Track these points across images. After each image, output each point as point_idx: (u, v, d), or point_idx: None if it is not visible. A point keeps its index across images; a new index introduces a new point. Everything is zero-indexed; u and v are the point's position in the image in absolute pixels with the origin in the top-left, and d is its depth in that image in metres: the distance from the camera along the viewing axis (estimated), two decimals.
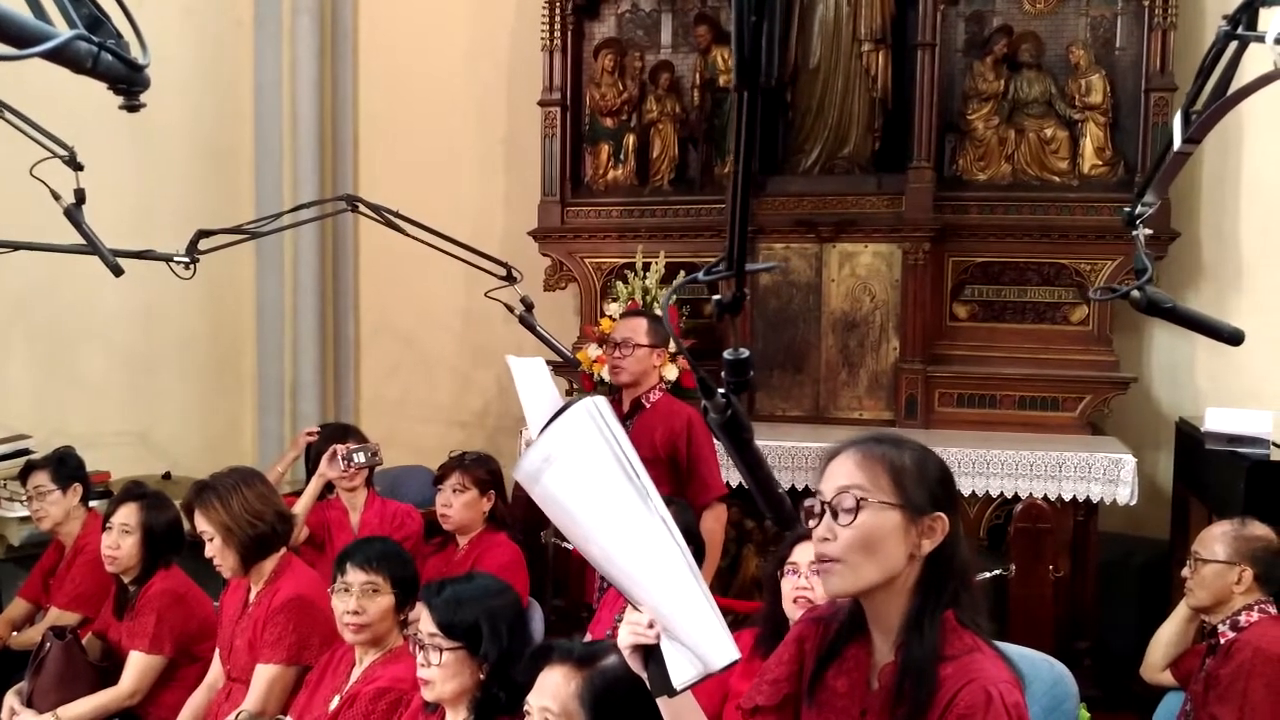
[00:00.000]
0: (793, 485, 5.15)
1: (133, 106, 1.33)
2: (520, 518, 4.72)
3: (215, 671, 3.63)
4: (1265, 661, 3.04)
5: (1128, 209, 2.14)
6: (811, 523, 1.84)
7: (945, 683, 1.75)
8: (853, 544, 1.78)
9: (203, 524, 3.43)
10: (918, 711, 1.75)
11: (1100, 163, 5.64)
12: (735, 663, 1.74)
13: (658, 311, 5.19)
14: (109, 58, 1.21)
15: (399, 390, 7.09)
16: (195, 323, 6.50)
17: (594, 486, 1.74)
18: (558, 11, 6.09)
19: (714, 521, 4.26)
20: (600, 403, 1.75)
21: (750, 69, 1.17)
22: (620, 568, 1.80)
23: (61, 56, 1.13)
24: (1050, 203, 5.65)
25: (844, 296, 5.81)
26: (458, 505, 4.11)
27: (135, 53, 1.27)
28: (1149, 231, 2.14)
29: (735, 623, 4.40)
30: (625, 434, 1.78)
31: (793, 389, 5.89)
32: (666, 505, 3.61)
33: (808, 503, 1.86)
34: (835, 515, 1.80)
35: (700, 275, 1.49)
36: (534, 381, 3.94)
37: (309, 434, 4.60)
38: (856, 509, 1.78)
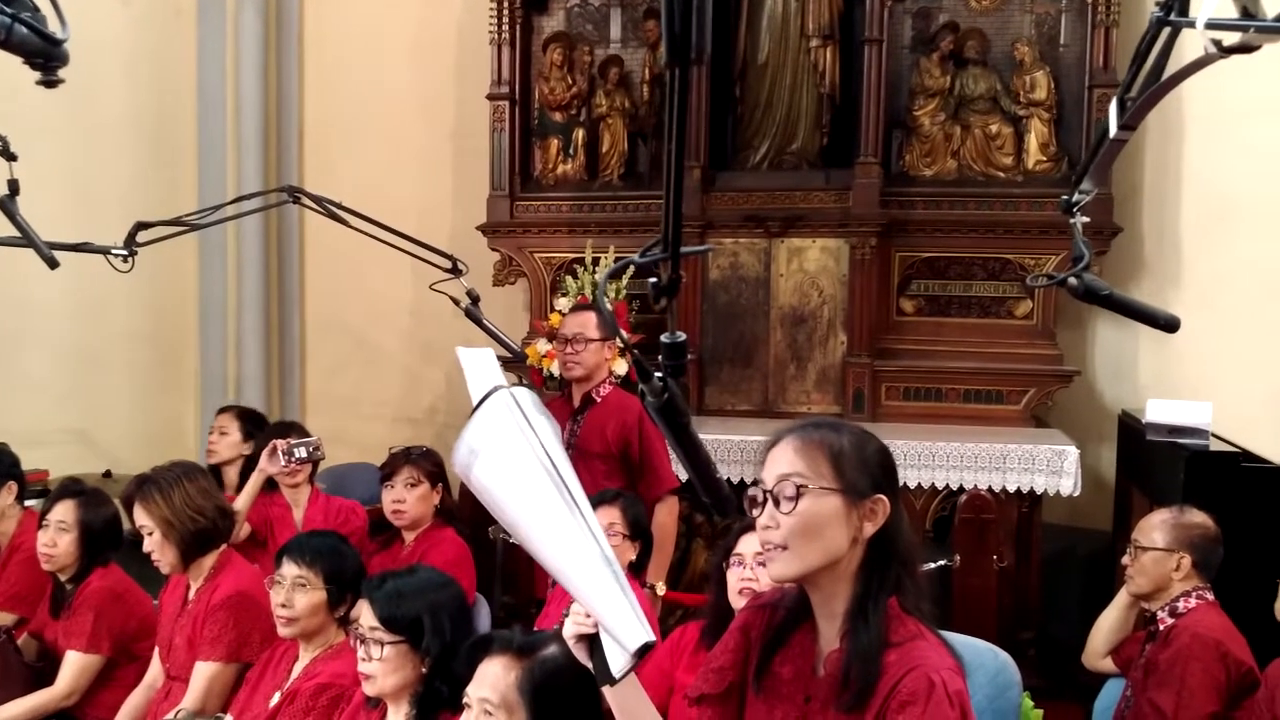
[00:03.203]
0: (742, 479, 5.15)
1: (50, 82, 1.30)
2: (467, 512, 4.69)
3: (154, 670, 3.58)
4: (1203, 647, 3.07)
5: (1066, 196, 2.15)
6: (755, 511, 1.85)
7: (889, 670, 1.76)
8: (795, 530, 1.79)
9: (143, 518, 3.38)
10: (862, 697, 1.76)
11: (1044, 158, 5.70)
12: (650, 645, 1.74)
13: (599, 298, 5.19)
14: (24, 30, 1.17)
15: (345, 386, 7.02)
16: (137, 318, 6.42)
17: (515, 477, 1.75)
18: (506, 5, 6.07)
19: (666, 515, 4.27)
20: (519, 393, 1.74)
21: (681, 45, 1.17)
22: (548, 556, 1.81)
23: None
24: (995, 198, 5.71)
25: (792, 291, 5.84)
26: (412, 499, 4.07)
27: (54, 27, 1.24)
28: (1087, 219, 2.16)
29: (684, 616, 4.43)
30: (546, 421, 1.77)
31: (742, 383, 5.91)
32: (617, 498, 3.63)
33: (751, 491, 1.87)
34: (777, 503, 1.81)
35: (636, 258, 1.48)
36: (483, 373, 3.92)
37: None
38: (797, 496, 1.79)
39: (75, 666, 3.63)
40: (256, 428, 4.70)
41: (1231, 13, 1.33)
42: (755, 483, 1.89)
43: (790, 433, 1.89)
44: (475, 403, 3.91)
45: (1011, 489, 5.11)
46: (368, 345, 7.02)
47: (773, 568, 1.85)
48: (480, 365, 3.97)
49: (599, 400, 4.31)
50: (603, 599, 1.76)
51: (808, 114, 5.94)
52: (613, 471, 4.20)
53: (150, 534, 3.37)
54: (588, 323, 4.28)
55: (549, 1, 6.32)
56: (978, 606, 4.88)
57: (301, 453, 4.16)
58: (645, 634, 1.73)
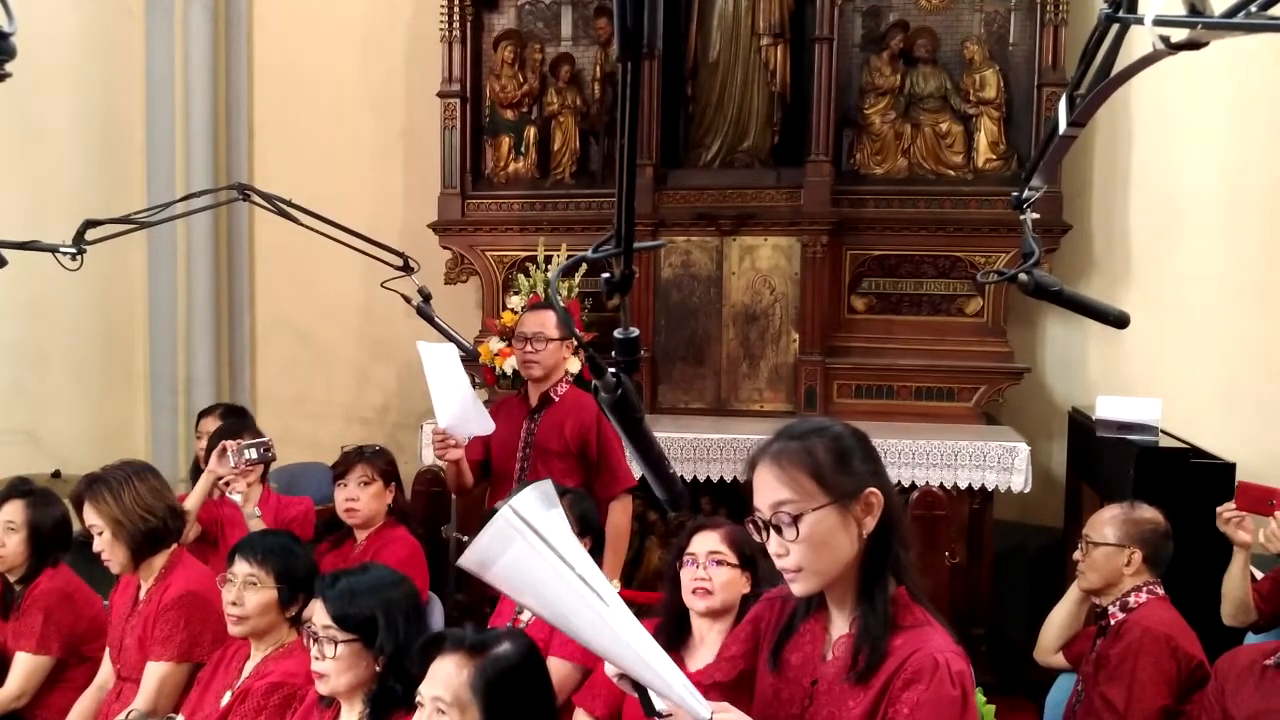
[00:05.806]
0: (694, 477, 5.17)
1: None
2: (420, 512, 4.66)
3: (105, 671, 3.54)
4: (1153, 641, 3.10)
5: (1016, 193, 2.17)
6: (758, 536, 1.92)
7: (895, 652, 1.85)
8: (805, 553, 1.87)
9: (92, 517, 3.34)
10: (867, 673, 1.85)
11: (994, 157, 5.74)
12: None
13: (552, 296, 5.18)
14: None
15: (296, 386, 6.96)
16: (85, 317, 6.32)
17: (536, 584, 1.78)
18: (456, 3, 6.04)
19: (621, 513, 4.27)
20: (521, 505, 1.76)
21: (633, 39, 1.16)
22: (588, 641, 1.86)
23: None
24: (945, 196, 5.75)
25: (744, 289, 5.85)
26: (365, 497, 4.05)
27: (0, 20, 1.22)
28: (1036, 215, 2.17)
29: (638, 613, 4.42)
30: (557, 528, 1.78)
31: (694, 381, 5.92)
32: (562, 495, 3.63)
33: (749, 520, 1.93)
34: (779, 531, 1.87)
35: (589, 253, 1.48)
36: (444, 369, 3.92)
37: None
38: (795, 523, 1.85)
39: (25, 668, 3.59)
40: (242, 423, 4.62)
41: (1179, 9, 1.34)
42: (753, 510, 1.94)
43: (766, 454, 1.93)
44: (437, 398, 3.90)
45: (963, 485, 5.16)
46: (318, 344, 6.95)
47: (797, 588, 1.92)
48: (441, 361, 3.97)
49: (557, 399, 4.29)
50: (662, 683, 1.81)
51: (759, 112, 5.95)
52: (570, 469, 4.19)
53: (100, 533, 3.34)
54: (547, 321, 4.26)
55: None
56: (930, 603, 4.91)
57: (252, 454, 4.12)
58: (704, 710, 1.79)
